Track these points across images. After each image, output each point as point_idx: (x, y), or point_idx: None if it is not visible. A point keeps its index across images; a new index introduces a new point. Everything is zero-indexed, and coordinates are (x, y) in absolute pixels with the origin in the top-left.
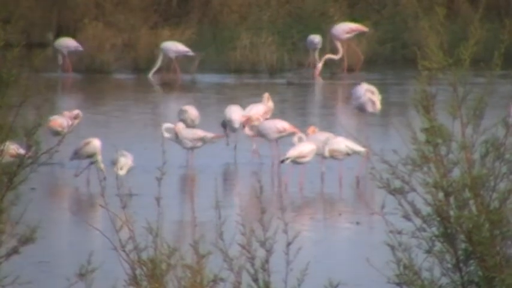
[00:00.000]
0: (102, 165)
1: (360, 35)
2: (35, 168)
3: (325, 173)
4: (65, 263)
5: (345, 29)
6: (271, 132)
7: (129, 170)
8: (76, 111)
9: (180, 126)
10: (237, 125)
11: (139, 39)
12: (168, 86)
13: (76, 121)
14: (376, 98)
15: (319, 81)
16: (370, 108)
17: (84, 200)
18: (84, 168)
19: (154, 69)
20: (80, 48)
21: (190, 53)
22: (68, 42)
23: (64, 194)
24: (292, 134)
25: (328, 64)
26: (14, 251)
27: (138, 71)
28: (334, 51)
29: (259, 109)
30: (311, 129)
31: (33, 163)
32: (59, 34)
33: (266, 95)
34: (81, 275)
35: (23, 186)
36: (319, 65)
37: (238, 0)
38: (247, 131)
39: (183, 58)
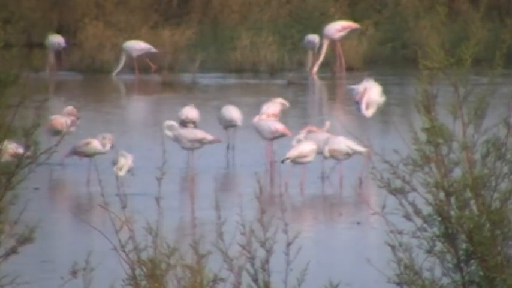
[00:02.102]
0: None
1: (360, 34)
2: (34, 168)
3: (329, 173)
4: (69, 262)
5: (337, 28)
6: (264, 132)
7: (129, 170)
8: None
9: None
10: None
11: (139, 39)
12: (168, 86)
13: (75, 119)
14: (369, 100)
15: (315, 81)
16: (361, 110)
17: (87, 200)
18: (67, 156)
19: (118, 69)
20: (63, 45)
21: (153, 50)
22: (55, 40)
23: (67, 194)
24: (284, 135)
25: (328, 64)
26: (13, 251)
27: (138, 71)
28: (319, 52)
29: (276, 108)
30: (308, 128)
31: (32, 163)
32: (59, 34)
33: (279, 100)
34: (74, 273)
35: (26, 186)
36: (315, 67)
37: (239, 0)
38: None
39: (184, 58)
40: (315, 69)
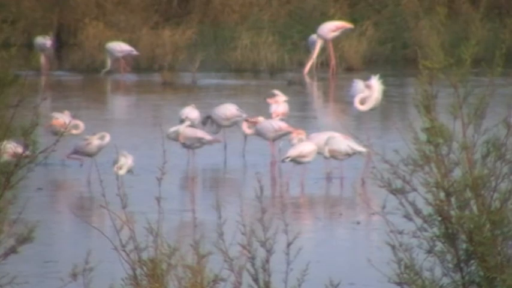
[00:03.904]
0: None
1: (360, 34)
2: (33, 167)
3: (331, 173)
4: (72, 263)
5: (330, 27)
6: (267, 132)
7: (129, 170)
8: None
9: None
10: (245, 114)
11: (140, 39)
12: (169, 85)
13: (78, 122)
14: (367, 96)
15: (307, 81)
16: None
17: (90, 200)
18: (70, 157)
19: (106, 69)
20: (48, 46)
21: (135, 52)
22: (41, 41)
23: (71, 194)
24: (288, 133)
25: (328, 63)
26: (12, 250)
27: (138, 71)
28: (312, 51)
29: (285, 107)
30: (297, 131)
31: (31, 162)
32: (59, 34)
33: (282, 98)
34: (73, 275)
35: (29, 186)
36: (307, 67)
37: (239, 0)
38: (246, 129)
39: (184, 58)
40: (307, 69)
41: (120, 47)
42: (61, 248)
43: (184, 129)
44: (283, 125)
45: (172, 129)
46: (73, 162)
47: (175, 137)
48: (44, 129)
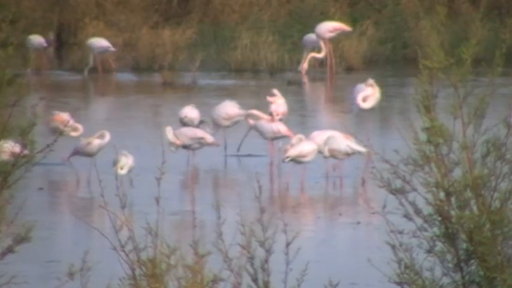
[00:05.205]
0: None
1: (360, 34)
2: (30, 167)
3: (330, 172)
4: (75, 263)
5: (328, 27)
6: (266, 132)
7: (130, 170)
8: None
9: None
10: (246, 112)
11: (140, 39)
12: (169, 85)
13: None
14: (368, 95)
15: (306, 81)
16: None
17: (92, 200)
18: (71, 157)
19: (88, 66)
20: (44, 45)
21: (112, 49)
22: (35, 40)
23: (72, 194)
24: (287, 137)
25: (326, 63)
26: (9, 250)
27: (138, 71)
28: (319, 50)
29: (285, 107)
30: (297, 137)
31: (28, 162)
32: (59, 33)
33: (281, 101)
34: (70, 274)
35: (30, 186)
36: (305, 65)
37: (239, 0)
38: (249, 120)
39: (184, 58)
40: (305, 69)
41: (99, 43)
42: (61, 248)
43: (183, 129)
44: (282, 129)
45: (170, 147)
46: (74, 163)
47: (176, 148)
48: (45, 125)
